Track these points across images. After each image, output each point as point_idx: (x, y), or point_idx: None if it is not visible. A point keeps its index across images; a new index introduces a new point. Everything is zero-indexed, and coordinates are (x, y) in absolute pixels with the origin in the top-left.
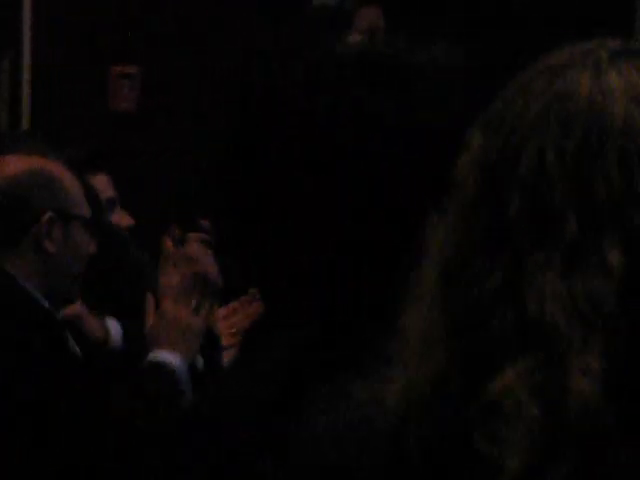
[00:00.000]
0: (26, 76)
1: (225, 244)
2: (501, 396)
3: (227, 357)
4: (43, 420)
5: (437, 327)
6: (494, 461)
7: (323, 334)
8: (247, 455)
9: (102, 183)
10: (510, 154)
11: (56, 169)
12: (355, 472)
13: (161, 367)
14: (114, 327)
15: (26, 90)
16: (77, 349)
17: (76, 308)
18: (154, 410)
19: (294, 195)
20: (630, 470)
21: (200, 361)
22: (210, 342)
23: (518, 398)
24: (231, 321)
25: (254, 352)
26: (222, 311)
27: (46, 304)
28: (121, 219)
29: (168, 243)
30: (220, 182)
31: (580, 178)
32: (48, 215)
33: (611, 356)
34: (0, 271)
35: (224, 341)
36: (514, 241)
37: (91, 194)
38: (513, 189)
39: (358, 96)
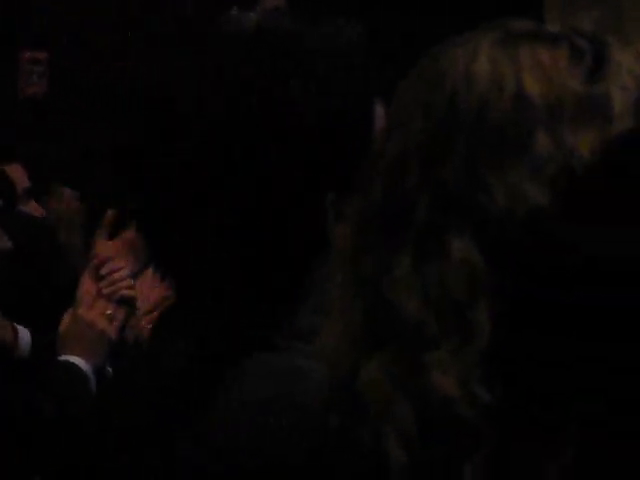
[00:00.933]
0: None
1: (138, 228)
2: (368, 389)
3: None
4: None
5: (344, 307)
6: (382, 455)
7: (233, 316)
8: (163, 438)
9: (17, 173)
10: (386, 140)
11: None
12: (272, 450)
13: (72, 367)
14: (24, 335)
15: None
16: None
17: None
18: (63, 405)
19: (201, 178)
20: (500, 457)
21: (109, 370)
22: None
23: (385, 393)
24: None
25: (163, 337)
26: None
27: None
28: (34, 210)
29: (92, 253)
30: (129, 168)
31: (431, 165)
32: None
33: (465, 344)
34: None
35: None
36: (377, 228)
37: (6, 184)
38: (376, 176)
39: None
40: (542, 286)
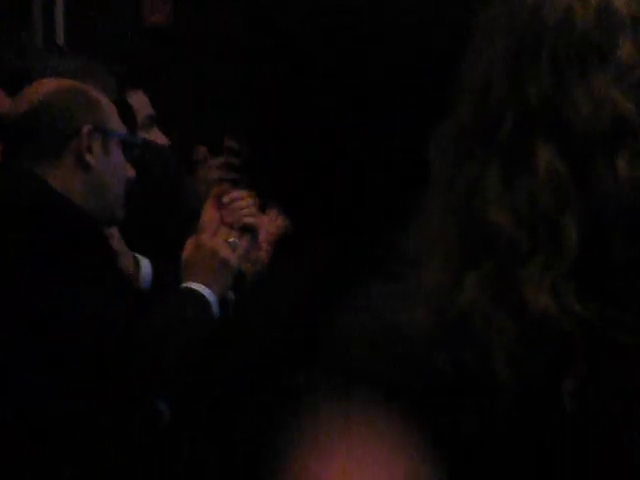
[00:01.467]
0: None
1: (251, 163)
2: (470, 310)
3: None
4: (91, 328)
5: (443, 234)
6: (488, 376)
7: (348, 242)
8: (278, 367)
9: (141, 100)
10: (472, 61)
11: (91, 90)
12: (386, 379)
13: (194, 293)
14: (146, 267)
15: (60, 7)
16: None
17: (116, 238)
18: (189, 329)
19: (317, 112)
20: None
21: (231, 296)
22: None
23: (486, 312)
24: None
25: (281, 265)
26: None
27: None
28: (157, 138)
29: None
30: (247, 101)
31: (516, 78)
32: (87, 128)
33: (555, 257)
34: (49, 187)
35: None
36: (466, 149)
37: (129, 114)
38: (464, 97)
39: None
40: (626, 193)
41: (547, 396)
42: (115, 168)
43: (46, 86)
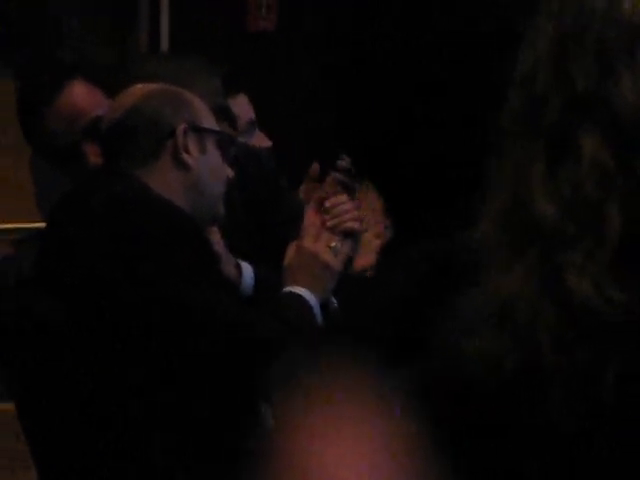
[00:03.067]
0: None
1: (361, 171)
2: (514, 293)
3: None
4: (197, 330)
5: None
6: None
7: (452, 248)
8: (387, 364)
9: (243, 104)
10: (523, 52)
11: (184, 91)
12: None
13: (297, 298)
14: (248, 272)
15: (165, 16)
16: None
17: (217, 243)
18: (293, 333)
19: (426, 122)
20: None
21: (334, 302)
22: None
23: (533, 301)
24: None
25: (389, 268)
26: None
27: None
28: (260, 141)
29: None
30: (354, 112)
31: (563, 64)
32: (182, 127)
33: (599, 244)
34: (149, 190)
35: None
36: (514, 135)
37: (230, 116)
38: (514, 86)
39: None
40: None
41: (590, 385)
42: (213, 166)
43: (139, 90)
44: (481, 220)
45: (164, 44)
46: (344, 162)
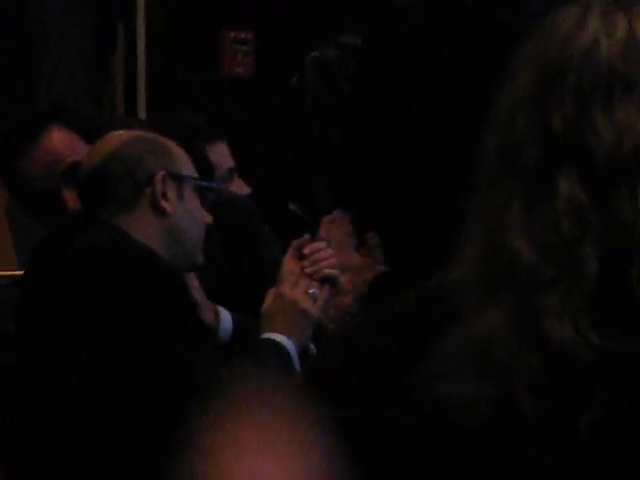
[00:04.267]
0: (141, 45)
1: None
2: (491, 337)
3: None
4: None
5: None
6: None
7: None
8: (371, 405)
9: (222, 152)
10: (500, 94)
11: (162, 138)
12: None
13: (275, 344)
14: (226, 318)
15: (141, 58)
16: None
17: (196, 289)
18: (271, 380)
19: (414, 154)
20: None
21: (312, 349)
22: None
23: (510, 344)
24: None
25: (377, 305)
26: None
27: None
28: (240, 188)
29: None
30: (340, 147)
31: (541, 106)
32: (161, 174)
33: (576, 285)
34: (128, 237)
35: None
36: (490, 177)
37: (205, 163)
38: (490, 128)
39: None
40: None
41: (568, 429)
42: (191, 213)
43: (118, 136)
44: (458, 262)
45: (141, 90)
46: (293, 207)
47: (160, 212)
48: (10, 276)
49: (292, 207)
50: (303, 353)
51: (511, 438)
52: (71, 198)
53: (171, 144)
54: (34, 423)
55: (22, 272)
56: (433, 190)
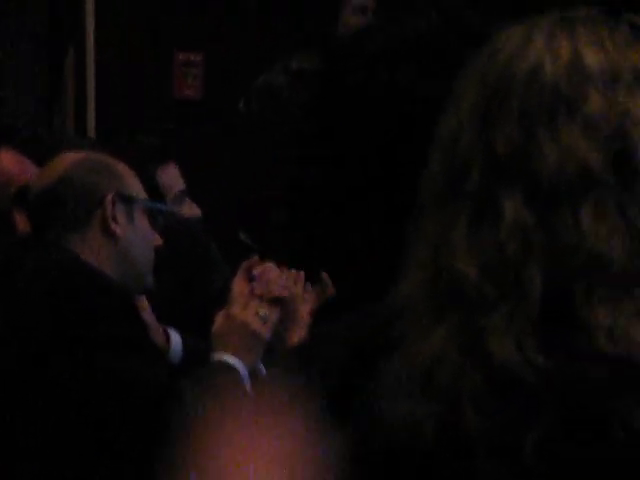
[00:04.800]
0: (90, 67)
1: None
2: (436, 357)
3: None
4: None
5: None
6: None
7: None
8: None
9: (173, 174)
10: (445, 115)
11: (110, 159)
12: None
13: (225, 366)
14: (176, 340)
15: (91, 80)
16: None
17: (146, 311)
18: (221, 401)
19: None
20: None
21: (262, 370)
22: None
23: (454, 365)
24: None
25: (321, 333)
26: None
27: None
28: (190, 210)
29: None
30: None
31: (484, 128)
32: (110, 196)
33: (520, 306)
34: (78, 259)
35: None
36: (435, 198)
37: (153, 185)
38: (435, 149)
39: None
40: (590, 245)
41: (512, 449)
42: (142, 236)
43: (68, 158)
44: (404, 283)
45: (90, 112)
46: (243, 237)
47: (110, 234)
48: None
49: (242, 237)
50: (253, 374)
51: (455, 457)
52: (21, 221)
53: (121, 166)
54: (33, 422)
55: None
56: (384, 212)
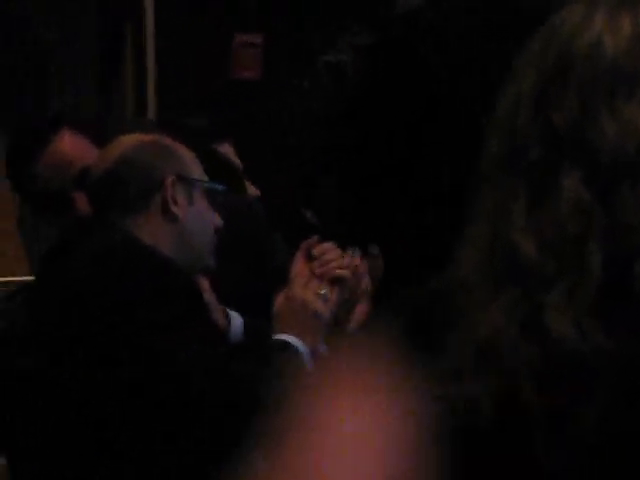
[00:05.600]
0: (150, 47)
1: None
2: (494, 333)
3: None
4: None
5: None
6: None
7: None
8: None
9: (228, 154)
10: (503, 94)
11: (170, 141)
12: None
13: (287, 345)
14: (236, 321)
15: (151, 62)
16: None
17: (206, 292)
18: (282, 383)
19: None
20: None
21: (324, 348)
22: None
23: (511, 339)
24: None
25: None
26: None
27: None
28: (248, 190)
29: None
30: (344, 149)
31: (544, 105)
32: (171, 179)
33: (580, 283)
34: (139, 241)
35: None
36: (495, 176)
37: (225, 164)
38: (494, 128)
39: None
40: None
41: (571, 427)
42: (202, 217)
43: (128, 140)
44: (461, 260)
45: (150, 92)
46: (309, 215)
47: (170, 217)
48: (21, 281)
49: (309, 216)
50: (314, 354)
51: (513, 435)
52: (82, 203)
53: (181, 148)
54: (36, 422)
55: (33, 277)
56: (439, 191)
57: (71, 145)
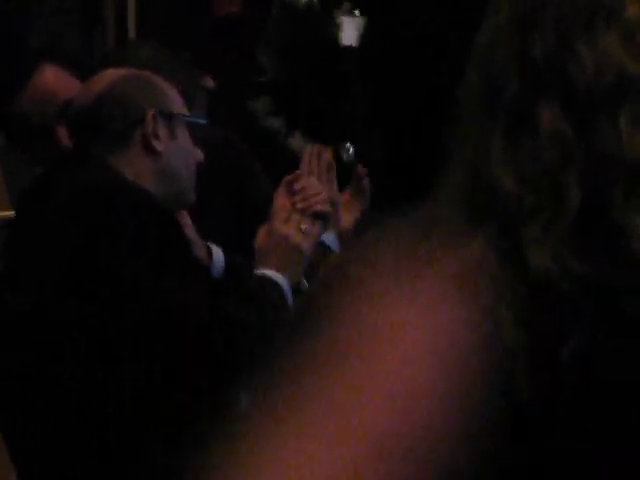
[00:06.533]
0: None
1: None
2: (475, 266)
3: None
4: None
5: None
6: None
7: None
8: None
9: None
10: (484, 27)
11: (153, 76)
12: None
13: (268, 280)
14: (218, 255)
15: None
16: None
17: (188, 227)
18: (264, 315)
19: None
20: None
21: (305, 284)
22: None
23: (491, 271)
24: None
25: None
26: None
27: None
28: None
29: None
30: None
31: (521, 38)
32: (152, 113)
33: (558, 215)
34: (120, 175)
35: None
36: (473, 111)
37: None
38: (473, 59)
39: None
40: (628, 153)
41: (550, 361)
42: (183, 152)
43: (109, 75)
44: (439, 195)
45: (131, 31)
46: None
47: (151, 151)
48: (3, 217)
49: (345, 157)
50: (296, 288)
51: (494, 371)
52: (64, 136)
53: (162, 82)
54: (36, 419)
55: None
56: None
57: (53, 78)
